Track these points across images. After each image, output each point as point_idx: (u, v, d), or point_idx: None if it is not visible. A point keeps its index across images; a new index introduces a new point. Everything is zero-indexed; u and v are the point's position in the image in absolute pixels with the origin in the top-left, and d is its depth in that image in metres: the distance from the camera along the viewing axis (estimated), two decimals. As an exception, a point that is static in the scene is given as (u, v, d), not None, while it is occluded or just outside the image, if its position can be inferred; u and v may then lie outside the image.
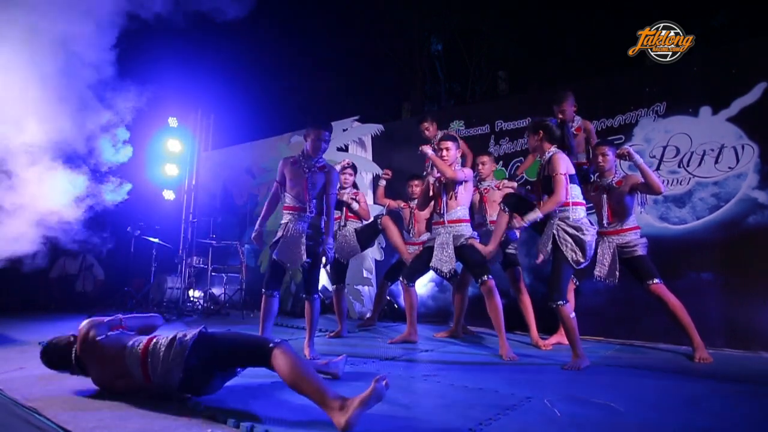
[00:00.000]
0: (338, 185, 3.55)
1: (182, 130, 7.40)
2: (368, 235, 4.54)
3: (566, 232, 3.11)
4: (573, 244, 3.09)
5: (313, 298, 3.41)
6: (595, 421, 1.96)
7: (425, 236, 4.43)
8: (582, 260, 3.10)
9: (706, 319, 3.88)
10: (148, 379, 2.15)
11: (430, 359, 3.38)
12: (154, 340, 2.21)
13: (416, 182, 4.73)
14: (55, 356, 2.44)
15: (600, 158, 3.64)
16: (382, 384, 1.80)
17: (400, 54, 13.22)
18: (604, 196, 3.62)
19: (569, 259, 3.09)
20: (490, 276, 3.53)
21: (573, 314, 3.11)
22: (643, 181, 3.47)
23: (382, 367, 3.00)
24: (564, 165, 3.16)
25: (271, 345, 2.01)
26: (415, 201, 4.50)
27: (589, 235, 3.11)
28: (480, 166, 4.45)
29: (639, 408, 2.15)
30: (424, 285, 5.59)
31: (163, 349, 2.14)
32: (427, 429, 1.84)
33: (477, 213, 4.38)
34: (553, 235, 3.14)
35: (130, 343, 2.24)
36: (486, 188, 4.39)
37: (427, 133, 4.91)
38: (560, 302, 3.07)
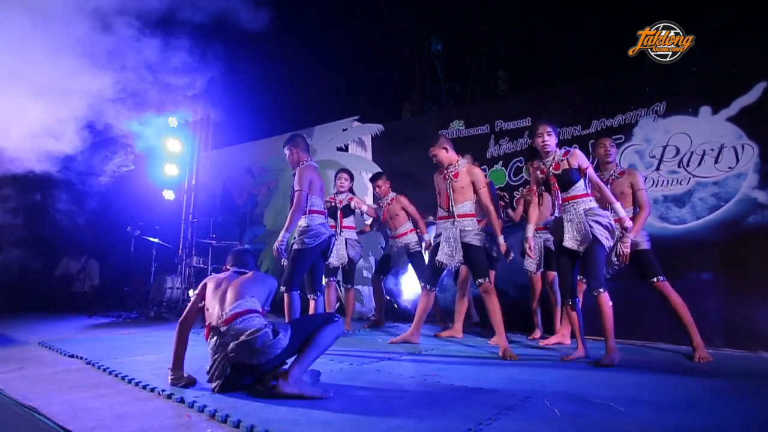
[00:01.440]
0: (306, 183, 3.52)
1: (182, 130, 7.40)
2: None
3: (599, 222, 3.22)
4: (606, 231, 3.23)
5: (285, 291, 3.48)
6: (595, 421, 1.96)
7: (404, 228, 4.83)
8: (612, 245, 3.30)
9: (706, 319, 3.88)
10: (226, 323, 2.31)
11: (430, 359, 3.38)
12: (260, 320, 2.36)
13: (380, 182, 4.96)
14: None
15: (602, 150, 3.80)
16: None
17: (400, 54, 13.21)
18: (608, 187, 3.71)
19: (606, 246, 3.23)
20: (488, 279, 3.57)
21: (611, 303, 3.20)
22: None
23: (382, 367, 3.00)
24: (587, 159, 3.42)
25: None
26: (383, 199, 4.92)
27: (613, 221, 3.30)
28: (377, 189, 4.88)
29: (639, 408, 2.15)
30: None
31: (255, 329, 2.27)
32: (427, 429, 1.84)
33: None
34: (590, 226, 3.23)
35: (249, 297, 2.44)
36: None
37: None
38: (602, 290, 3.18)
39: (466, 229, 3.67)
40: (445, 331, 4.51)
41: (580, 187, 3.33)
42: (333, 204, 4.79)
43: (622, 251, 3.41)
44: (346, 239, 4.75)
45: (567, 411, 2.06)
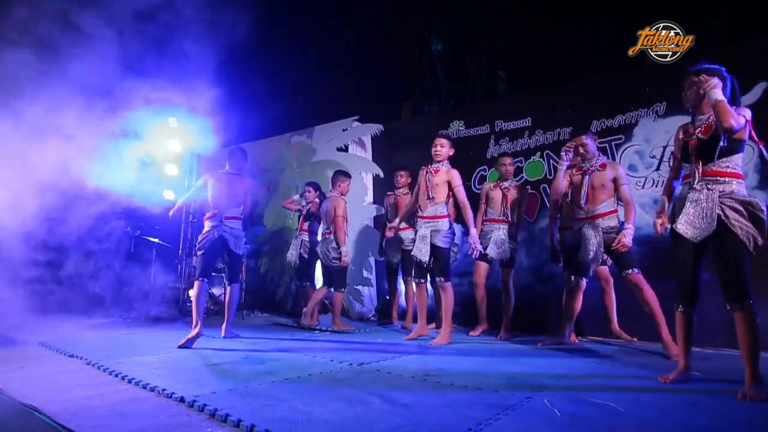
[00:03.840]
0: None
1: (182, 130, 7.38)
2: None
3: (737, 211, 2.39)
4: (750, 225, 2.36)
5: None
6: (595, 421, 1.96)
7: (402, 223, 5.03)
8: (761, 243, 2.37)
9: (705, 319, 3.87)
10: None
11: (430, 359, 3.38)
12: None
13: (402, 173, 5.24)
14: None
15: (581, 149, 3.79)
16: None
17: (400, 54, 13.22)
18: (587, 177, 3.72)
19: (748, 245, 2.36)
20: (442, 278, 4.01)
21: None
22: None
23: (382, 367, 3.00)
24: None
25: None
26: (401, 190, 5.15)
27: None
28: (503, 168, 4.65)
29: (639, 408, 2.15)
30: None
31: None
32: (427, 429, 1.84)
33: (493, 209, 4.59)
34: (719, 215, 2.42)
35: None
36: (506, 187, 4.59)
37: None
38: (752, 302, 2.36)
39: (437, 229, 4.04)
40: (477, 329, 4.59)
41: (728, 162, 2.49)
42: (299, 211, 5.57)
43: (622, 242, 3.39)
44: (301, 240, 5.40)
45: (567, 411, 2.06)
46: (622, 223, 3.62)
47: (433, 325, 5.09)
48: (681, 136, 2.72)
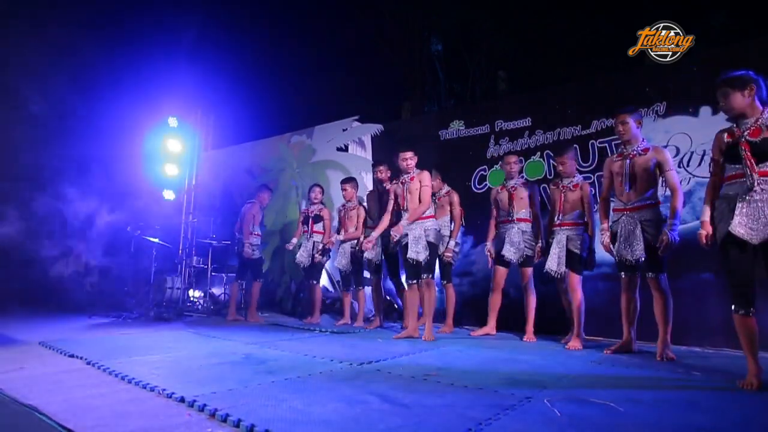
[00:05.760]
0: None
1: (182, 129, 7.39)
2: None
3: None
4: None
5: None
6: (595, 421, 1.96)
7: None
8: None
9: (706, 319, 3.88)
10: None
11: (429, 359, 3.38)
12: None
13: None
14: None
15: (620, 127, 3.49)
16: None
17: (400, 54, 13.22)
18: (627, 162, 3.45)
19: None
20: (430, 275, 4.19)
21: None
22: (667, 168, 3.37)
23: (382, 367, 3.00)
24: None
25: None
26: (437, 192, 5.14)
27: None
28: (507, 166, 4.59)
29: (639, 408, 2.15)
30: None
31: None
32: (427, 429, 1.84)
33: (503, 210, 4.54)
34: None
35: None
36: (513, 186, 4.53)
37: (379, 175, 5.20)
38: None
39: (430, 228, 4.22)
40: (480, 329, 4.58)
41: None
42: (306, 213, 5.70)
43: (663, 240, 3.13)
44: (314, 242, 5.55)
45: (567, 411, 2.06)
46: (666, 217, 3.39)
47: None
48: (727, 139, 2.70)
